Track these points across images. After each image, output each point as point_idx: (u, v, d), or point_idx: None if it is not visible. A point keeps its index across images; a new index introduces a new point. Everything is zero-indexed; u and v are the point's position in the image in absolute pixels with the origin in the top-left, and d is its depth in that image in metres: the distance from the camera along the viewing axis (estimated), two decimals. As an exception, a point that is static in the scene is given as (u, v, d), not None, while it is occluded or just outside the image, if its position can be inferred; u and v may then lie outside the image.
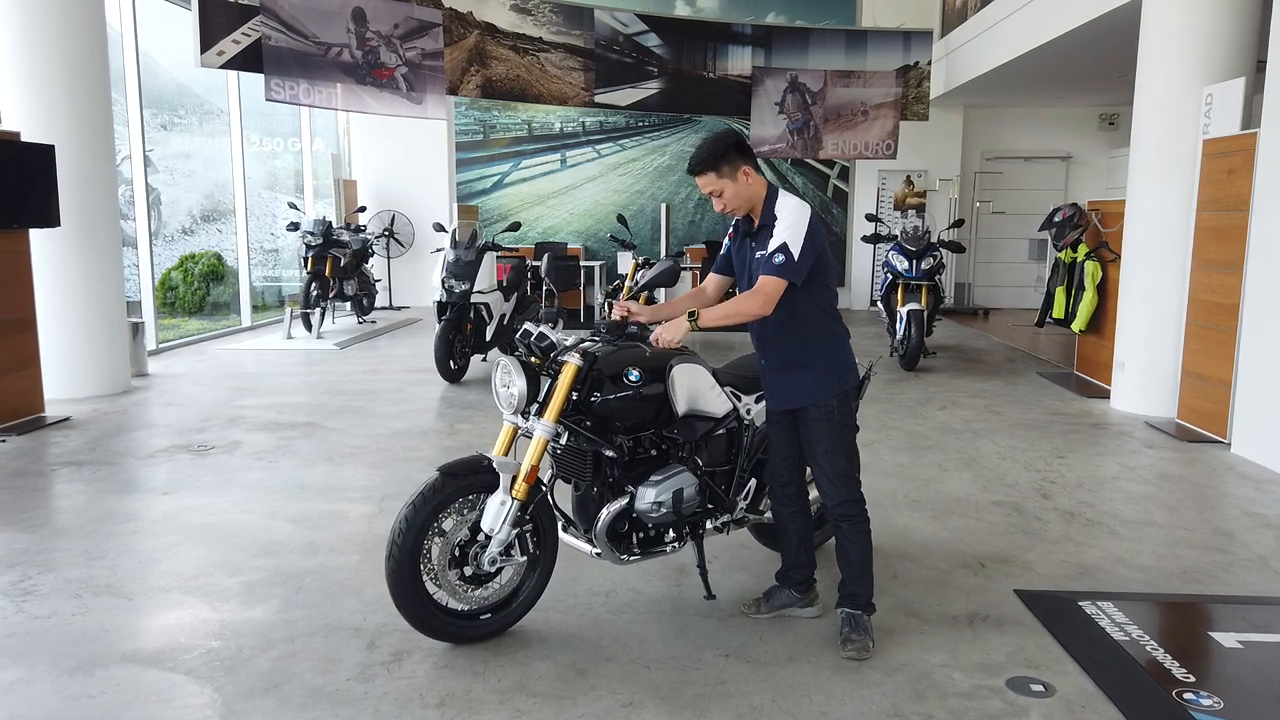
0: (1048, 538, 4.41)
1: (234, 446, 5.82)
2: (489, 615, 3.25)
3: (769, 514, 3.65)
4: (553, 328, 3.32)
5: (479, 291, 8.04)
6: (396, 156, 13.67)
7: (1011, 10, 10.00)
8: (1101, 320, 8.05)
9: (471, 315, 8.03)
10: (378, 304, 12.69)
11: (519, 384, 3.16)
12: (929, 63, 12.37)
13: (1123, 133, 13.45)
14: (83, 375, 7.13)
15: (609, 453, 3.24)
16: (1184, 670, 3.11)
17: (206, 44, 8.94)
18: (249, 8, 9.16)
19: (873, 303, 13.86)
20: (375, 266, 12.69)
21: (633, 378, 3.21)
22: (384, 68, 10.35)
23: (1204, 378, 6.45)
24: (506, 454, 3.21)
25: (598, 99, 11.96)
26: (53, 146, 6.55)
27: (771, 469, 3.45)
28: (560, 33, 11.62)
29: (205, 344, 10.02)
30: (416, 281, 13.43)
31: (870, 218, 9.90)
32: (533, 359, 3.27)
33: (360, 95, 10.27)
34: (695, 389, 3.37)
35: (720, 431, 3.49)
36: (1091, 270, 8.05)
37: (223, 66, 9.31)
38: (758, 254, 3.14)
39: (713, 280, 3.46)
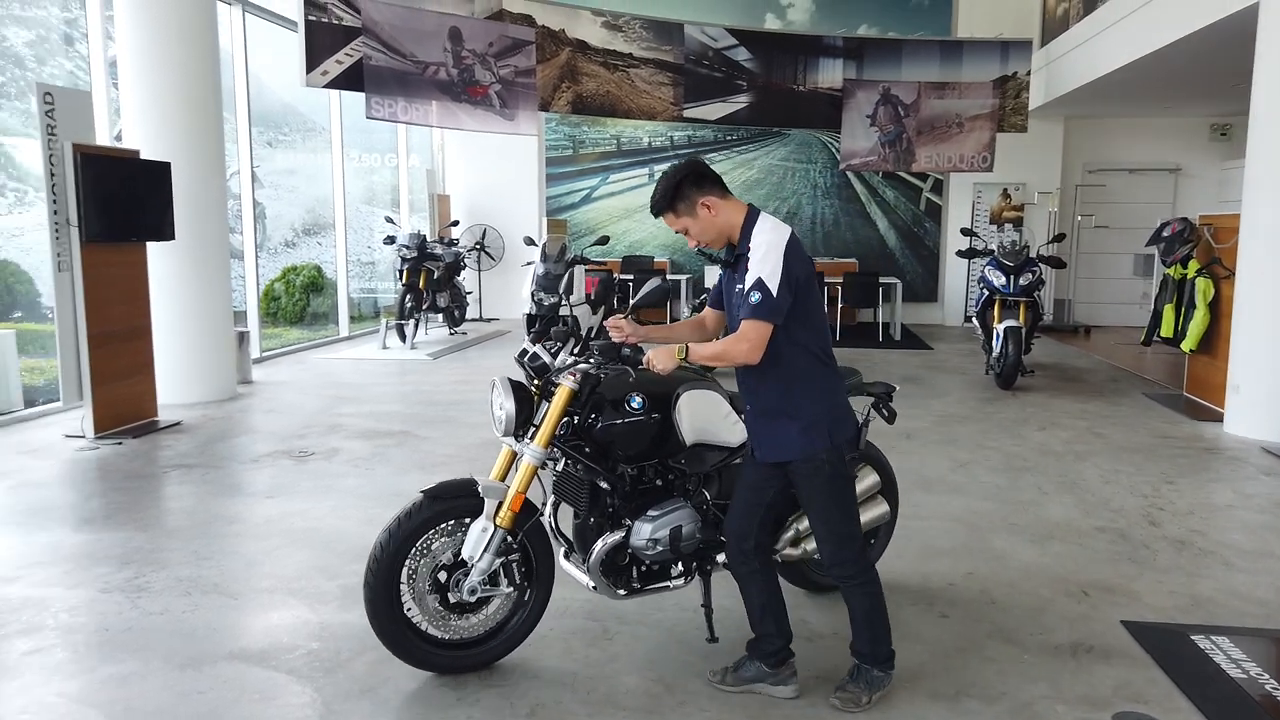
0: (1157, 567, 4.21)
1: (332, 453, 6.00)
2: (471, 648, 3.10)
3: (787, 550, 3.33)
4: (554, 348, 3.12)
5: (567, 304, 8.12)
6: (488, 172, 13.96)
7: (1118, 18, 9.67)
8: (1214, 340, 7.68)
9: (570, 325, 8.09)
10: (468, 316, 12.93)
11: (508, 405, 3.00)
12: (1028, 73, 12.03)
13: (1236, 143, 12.82)
14: (193, 382, 7.46)
15: (603, 484, 3.07)
16: (1309, 713, 2.93)
17: (311, 64, 9.29)
18: (352, 29, 9.49)
19: (967, 319, 13.53)
20: (466, 279, 12.95)
21: (635, 405, 3.00)
22: (478, 85, 10.59)
23: (1328, 401, 6.08)
24: (503, 478, 3.07)
25: (686, 114, 12.00)
26: (169, 164, 6.89)
27: (729, 519, 3.04)
28: (650, 48, 11.70)
29: (305, 353, 10.37)
30: (506, 294, 13.66)
31: (965, 232, 9.68)
32: (532, 380, 3.11)
33: (455, 112, 10.52)
34: (706, 417, 3.12)
35: (737, 461, 3.19)
36: (1203, 287, 7.70)
37: (326, 86, 9.66)
38: (737, 287, 2.83)
39: (709, 315, 3.15)
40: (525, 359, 3.13)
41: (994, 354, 8.67)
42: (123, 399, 6.57)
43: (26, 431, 6.49)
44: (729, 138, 14.15)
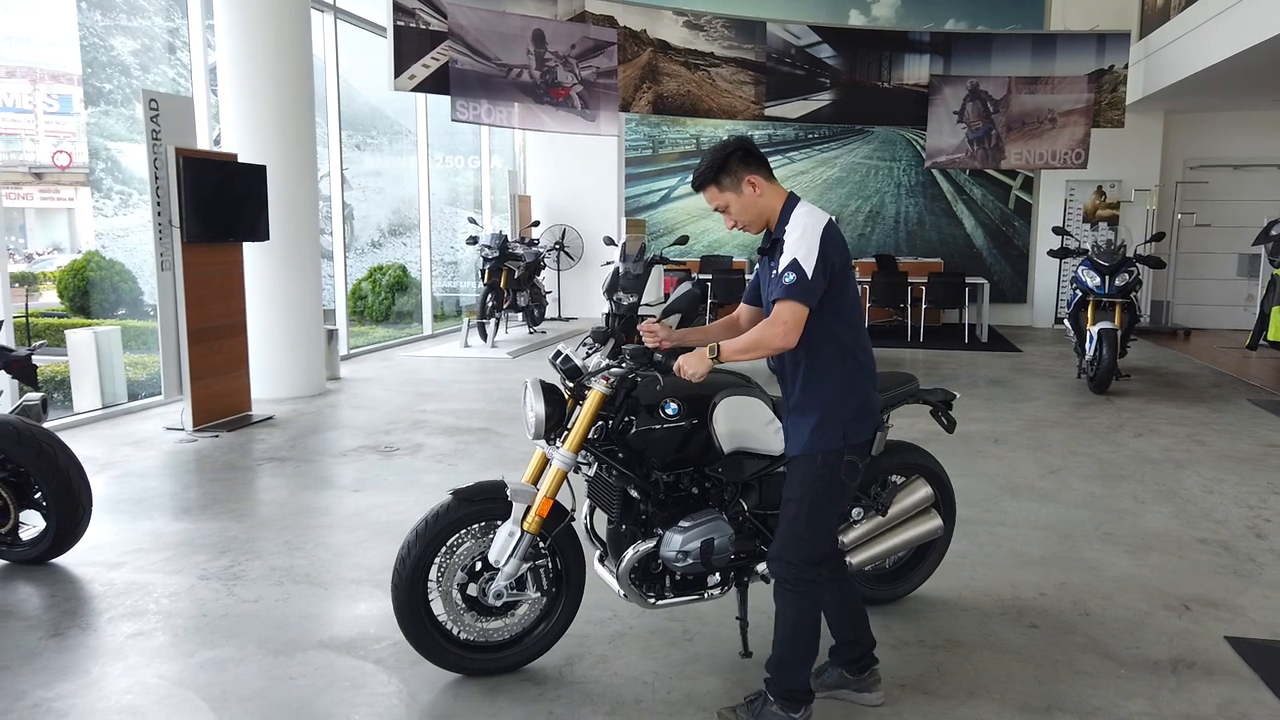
0: (1264, 581, 4.01)
1: (416, 449, 6.12)
2: (497, 651, 3.08)
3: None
4: (591, 351, 3.01)
5: (646, 304, 8.15)
6: (569, 172, 14.08)
7: (1224, 7, 9.24)
8: (1326, 343, 7.28)
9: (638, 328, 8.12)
10: (548, 315, 13.06)
11: (538, 408, 2.94)
12: (1125, 66, 11.59)
13: (1352, 137, 12.15)
14: (284, 378, 7.70)
15: (634, 492, 3.00)
16: None
17: (399, 69, 9.50)
18: (438, 33, 9.67)
19: (1058, 320, 13.11)
20: (546, 279, 13.09)
21: (670, 411, 2.92)
22: (560, 87, 10.69)
23: None
24: (536, 481, 3.03)
25: (768, 112, 11.90)
26: (264, 166, 7.13)
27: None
28: (732, 47, 11.64)
29: (390, 350, 10.62)
30: (585, 293, 13.76)
31: (1058, 230, 9.37)
32: (566, 383, 3.05)
33: (537, 114, 10.64)
34: (745, 424, 3.00)
35: (780, 470, 3.02)
36: (1315, 288, 7.31)
37: (413, 89, 9.88)
38: (773, 272, 2.71)
39: (744, 311, 3.04)
40: (557, 361, 3.05)
41: (1087, 357, 8.38)
42: (219, 394, 6.82)
43: (130, 424, 6.79)
44: (810, 136, 13.99)
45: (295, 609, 3.62)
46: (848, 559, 3.25)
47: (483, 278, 10.94)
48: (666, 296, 8.75)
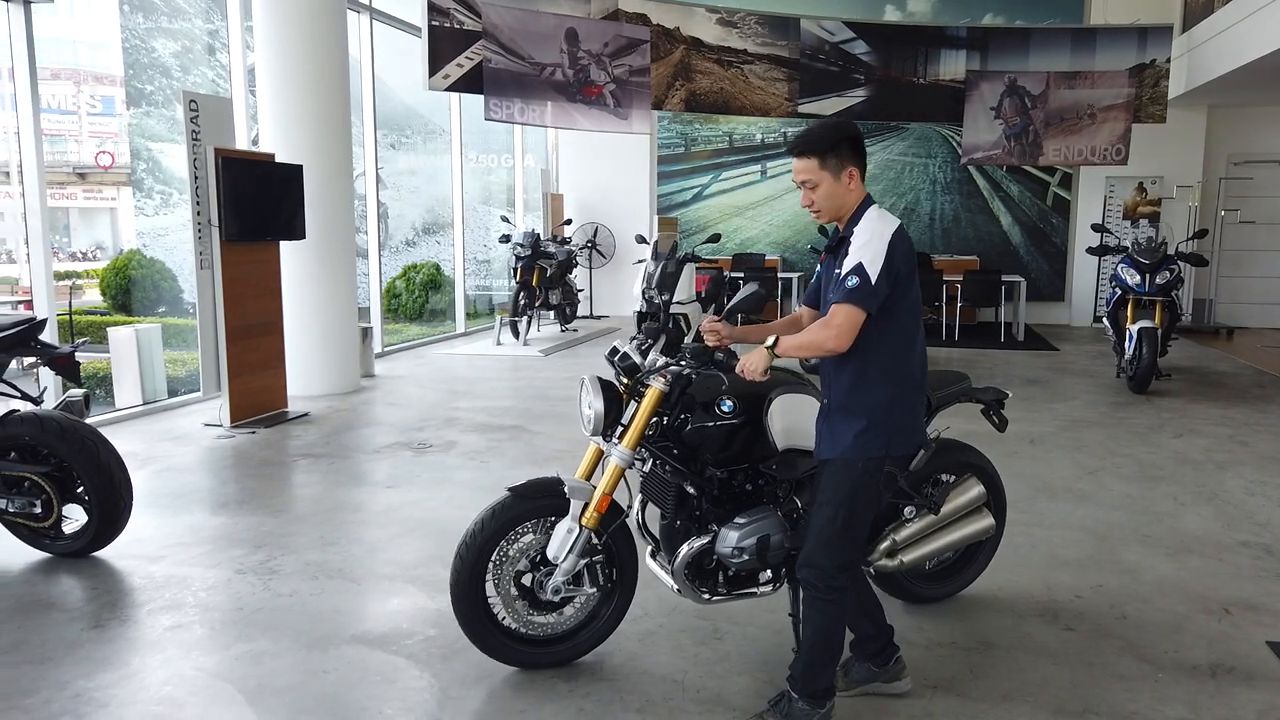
0: (1308, 586, 3.92)
1: (449, 446, 6.17)
2: (551, 645, 3.11)
3: (882, 561, 3.23)
4: (645, 348, 3.04)
5: (678, 302, 8.14)
6: (601, 171, 14.11)
7: (1268, 0, 9.04)
8: (1375, 343, 7.10)
9: (670, 326, 8.12)
10: (580, 313, 13.10)
11: (597, 404, 2.96)
12: (1168, 60, 11.38)
13: (1404, 130, 11.84)
14: (320, 375, 7.79)
15: (690, 489, 3.02)
16: None
17: (434, 68, 9.58)
18: (472, 33, 9.73)
19: (1096, 319, 12.91)
20: (578, 277, 13.13)
21: (725, 408, 2.94)
22: (593, 85, 10.71)
23: None
24: (589, 476, 3.06)
25: (801, 109, 11.84)
26: (301, 166, 7.22)
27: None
28: (765, 44, 11.60)
29: (424, 348, 10.71)
30: (617, 292, 13.78)
31: (1096, 228, 9.23)
32: (621, 380, 3.06)
33: (570, 112, 10.67)
34: (799, 422, 2.98)
35: None
36: (1364, 286, 7.12)
37: (447, 89, 9.95)
38: (835, 272, 2.68)
39: (805, 312, 3.01)
40: (615, 358, 3.07)
41: (1126, 356, 8.24)
42: (256, 390, 6.92)
43: (170, 420, 6.91)
44: (844, 133, 13.86)
45: (329, 604, 3.67)
46: (899, 558, 3.25)
47: (515, 276, 11.00)
48: (699, 294, 8.73)
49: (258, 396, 6.93)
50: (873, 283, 2.54)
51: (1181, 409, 7.52)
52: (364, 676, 3.10)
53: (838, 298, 2.59)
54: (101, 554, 4.17)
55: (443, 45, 9.61)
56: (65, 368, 4.24)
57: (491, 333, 11.24)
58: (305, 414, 7.08)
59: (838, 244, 2.74)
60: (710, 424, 2.95)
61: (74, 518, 4.16)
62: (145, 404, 7.22)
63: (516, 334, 10.86)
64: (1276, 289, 13.10)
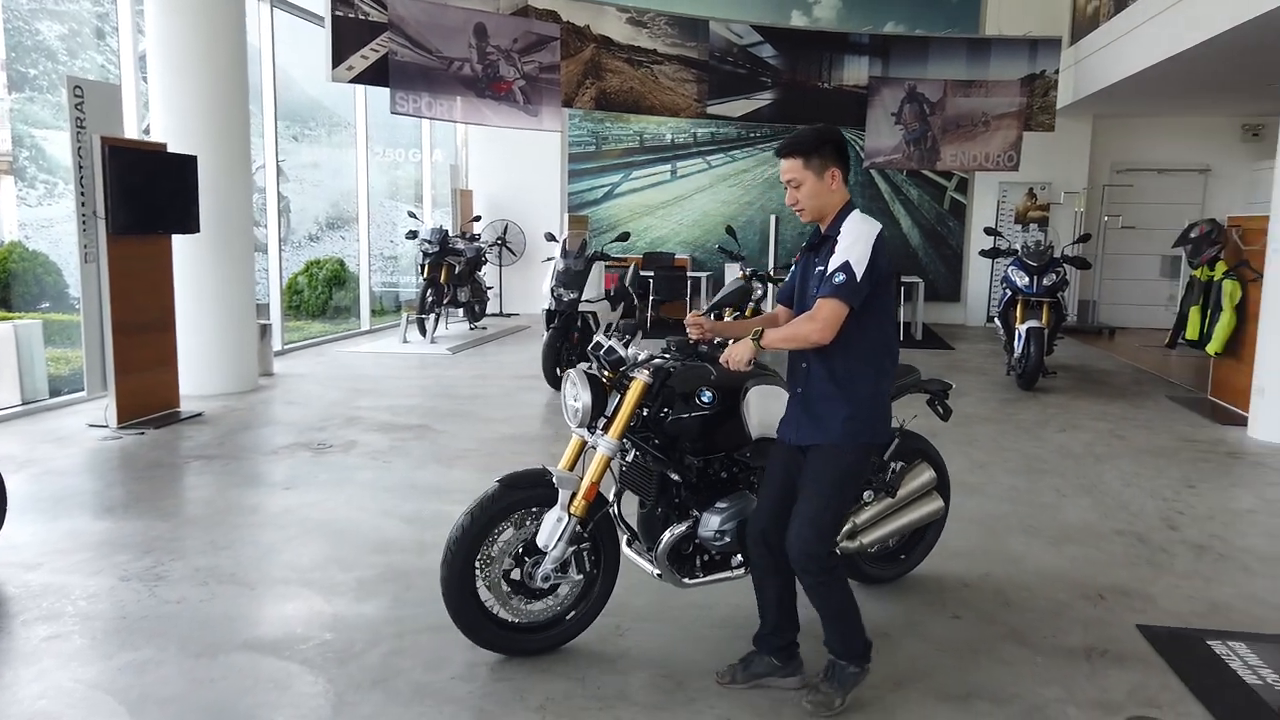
0: (1174, 571, 4.16)
1: (350, 445, 6.05)
2: (538, 632, 3.20)
3: (844, 544, 3.41)
4: (625, 341, 3.20)
5: (587, 300, 8.14)
6: (511, 167, 14.00)
7: (1150, 15, 9.54)
8: (1240, 343, 7.57)
9: (579, 324, 8.13)
10: (489, 311, 12.99)
11: (584, 397, 3.09)
12: (1056, 71, 11.91)
13: (1268, 144, 12.63)
14: (215, 373, 7.53)
15: (674, 476, 3.16)
16: (1327, 722, 2.88)
17: (338, 59, 9.35)
18: (378, 24, 9.54)
19: (989, 319, 13.42)
20: (487, 274, 13.00)
21: (705, 399, 3.09)
22: (502, 81, 10.62)
23: (1356, 407, 5.98)
24: (572, 468, 3.15)
25: (710, 110, 11.98)
26: (195, 157, 6.96)
27: (755, 512, 3.05)
28: (675, 45, 11.69)
29: (327, 346, 10.45)
30: (527, 290, 13.69)
31: (989, 231, 9.60)
32: (604, 373, 3.18)
33: (479, 108, 10.56)
34: (772, 412, 3.14)
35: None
36: (1230, 290, 7.59)
37: (352, 81, 9.72)
38: (817, 269, 2.87)
39: (782, 311, 3.16)
40: (600, 352, 3.19)
41: (1015, 354, 8.60)
42: (146, 389, 6.65)
43: (51, 420, 6.58)
44: (752, 135, 14.10)
45: (219, 610, 3.55)
46: (860, 540, 3.46)
47: (422, 273, 10.83)
48: (607, 293, 8.74)
49: (147, 396, 6.66)
50: (858, 280, 2.73)
51: (1065, 405, 7.89)
52: (255, 684, 3.01)
53: (825, 293, 2.76)
54: (-27, 562, 3.96)
55: (347, 36, 9.39)
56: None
57: (398, 330, 11.05)
58: (199, 414, 6.83)
59: (820, 242, 2.92)
60: (690, 414, 3.10)
61: (-58, 525, 3.94)
62: (25, 404, 6.86)
63: (424, 332, 10.70)
64: (1155, 291, 13.84)
